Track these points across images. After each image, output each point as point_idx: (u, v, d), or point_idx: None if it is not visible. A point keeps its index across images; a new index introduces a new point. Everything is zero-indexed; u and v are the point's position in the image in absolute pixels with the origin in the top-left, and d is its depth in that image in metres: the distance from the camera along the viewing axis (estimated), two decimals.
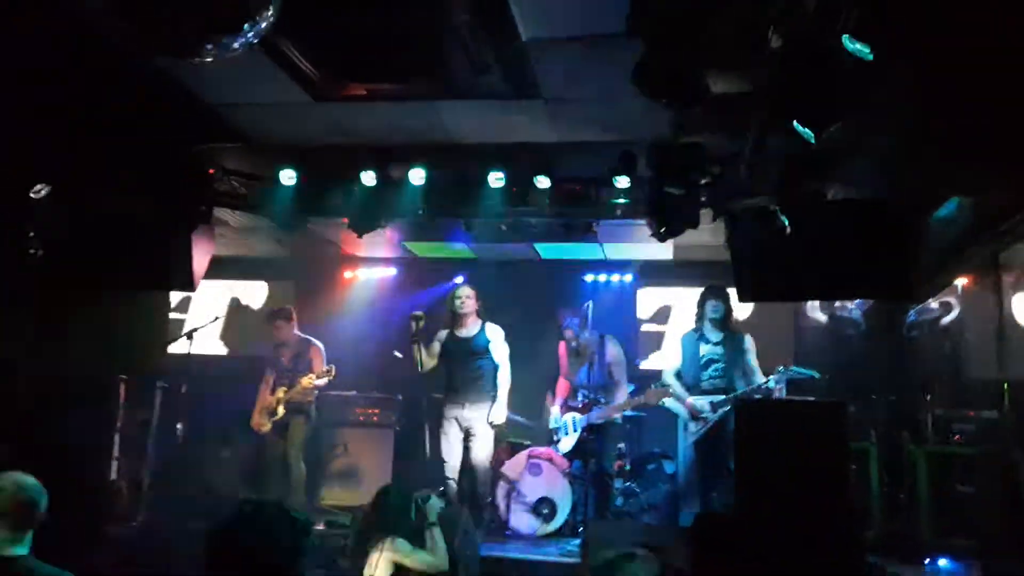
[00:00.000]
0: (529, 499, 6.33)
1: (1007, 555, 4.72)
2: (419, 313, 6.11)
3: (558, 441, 6.52)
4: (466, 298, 6.25)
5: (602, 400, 6.14)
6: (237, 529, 1.73)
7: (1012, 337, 5.55)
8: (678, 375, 6.12)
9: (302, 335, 7.02)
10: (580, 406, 6.36)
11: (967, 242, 4.90)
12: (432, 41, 4.39)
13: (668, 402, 6.20)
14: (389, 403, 7.56)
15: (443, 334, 6.31)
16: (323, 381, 6.63)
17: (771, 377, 5.60)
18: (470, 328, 6.26)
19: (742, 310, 7.48)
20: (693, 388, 5.98)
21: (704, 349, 6.01)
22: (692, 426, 5.94)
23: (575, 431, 6.38)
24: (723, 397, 5.83)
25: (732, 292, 5.88)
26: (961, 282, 6.48)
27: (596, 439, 6.11)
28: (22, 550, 2.83)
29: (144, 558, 5.11)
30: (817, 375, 5.78)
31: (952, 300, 6.67)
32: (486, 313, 6.32)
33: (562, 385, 6.62)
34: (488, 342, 6.22)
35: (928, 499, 5.87)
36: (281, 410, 6.60)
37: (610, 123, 5.15)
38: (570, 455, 6.42)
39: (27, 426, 5.45)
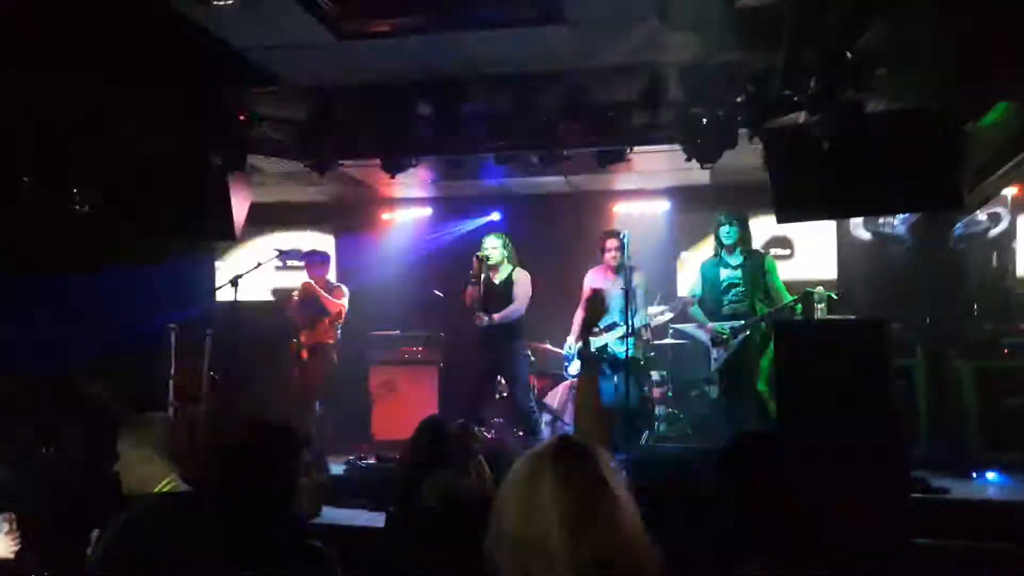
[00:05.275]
0: (572, 427, 6.43)
1: None
2: (483, 253, 6.35)
3: (568, 367, 6.64)
4: (491, 249, 6.41)
5: (619, 323, 6.01)
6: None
7: None
8: (701, 302, 6.05)
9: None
10: (597, 332, 6.32)
11: (1016, 149, 4.70)
12: None
13: (691, 329, 6.17)
14: (433, 341, 7.73)
15: (483, 276, 6.44)
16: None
17: (791, 298, 5.50)
18: (501, 273, 6.45)
19: (783, 230, 7.35)
20: (715, 314, 5.90)
21: (724, 273, 5.91)
22: (715, 352, 5.89)
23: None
24: (742, 322, 5.75)
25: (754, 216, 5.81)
26: (1010, 192, 6.28)
27: (631, 368, 6.07)
28: None
29: None
30: (835, 295, 5.59)
31: (1001, 211, 6.47)
32: (516, 255, 6.46)
33: (578, 317, 6.56)
34: (512, 284, 6.37)
35: (975, 414, 5.82)
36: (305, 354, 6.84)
37: (638, 45, 5.00)
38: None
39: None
